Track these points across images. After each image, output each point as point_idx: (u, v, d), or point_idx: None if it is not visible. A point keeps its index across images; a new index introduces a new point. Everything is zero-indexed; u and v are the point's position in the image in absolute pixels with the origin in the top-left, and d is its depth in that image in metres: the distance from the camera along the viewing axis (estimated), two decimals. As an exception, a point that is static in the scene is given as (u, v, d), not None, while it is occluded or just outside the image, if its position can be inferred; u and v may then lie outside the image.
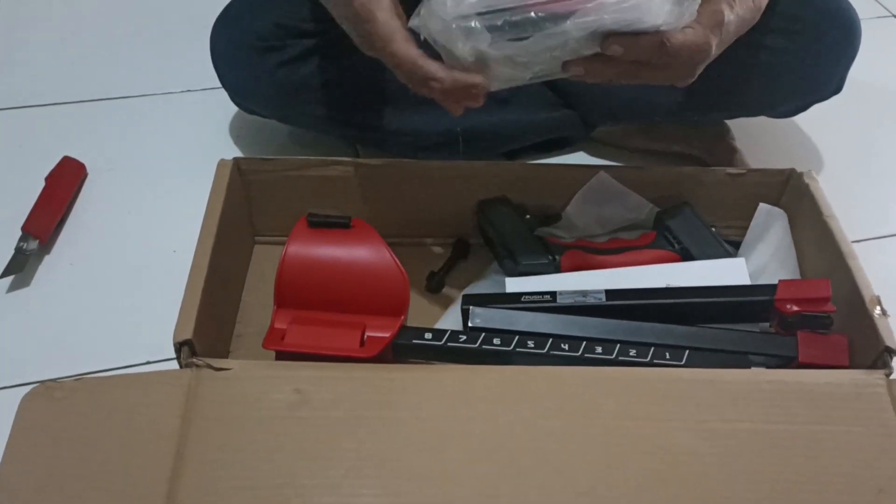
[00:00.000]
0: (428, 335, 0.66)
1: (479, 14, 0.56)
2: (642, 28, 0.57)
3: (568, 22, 0.56)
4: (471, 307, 0.68)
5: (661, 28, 0.58)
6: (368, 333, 0.65)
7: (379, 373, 0.60)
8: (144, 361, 0.74)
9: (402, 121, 0.90)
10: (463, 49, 0.57)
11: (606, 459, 0.55)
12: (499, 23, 0.56)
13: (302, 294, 0.67)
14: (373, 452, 0.55)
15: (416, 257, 0.81)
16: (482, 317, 0.68)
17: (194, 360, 0.59)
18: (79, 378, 0.59)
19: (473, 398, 0.58)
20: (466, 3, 0.56)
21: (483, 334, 0.66)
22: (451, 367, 0.64)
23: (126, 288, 0.81)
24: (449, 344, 0.65)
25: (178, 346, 0.60)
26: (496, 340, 0.65)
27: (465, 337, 0.65)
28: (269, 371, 0.60)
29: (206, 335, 0.63)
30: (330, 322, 0.66)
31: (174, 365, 0.61)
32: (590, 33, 0.57)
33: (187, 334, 0.60)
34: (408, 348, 0.66)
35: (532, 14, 0.56)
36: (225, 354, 0.72)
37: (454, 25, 0.57)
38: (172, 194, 0.92)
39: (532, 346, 0.65)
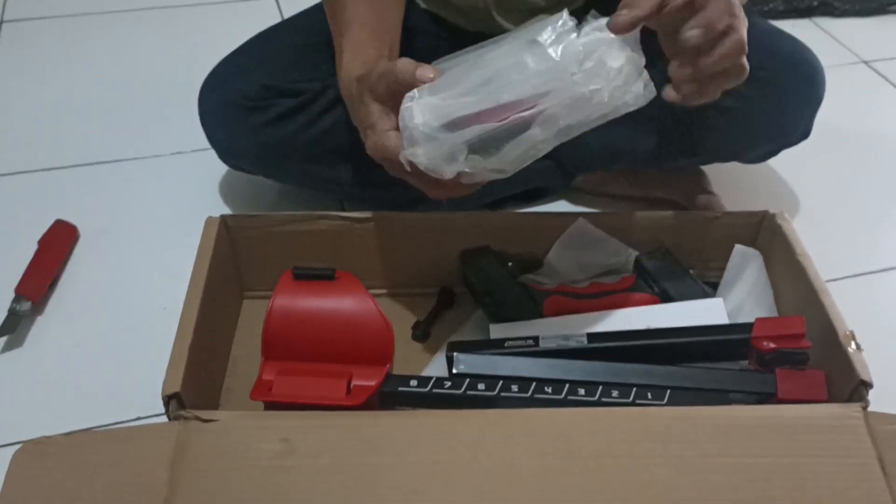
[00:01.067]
0: (413, 382, 0.67)
1: (444, 126, 0.58)
2: (601, 117, 0.60)
3: (533, 128, 0.58)
4: (455, 353, 0.69)
5: (629, 109, 0.60)
6: (355, 382, 0.66)
7: (365, 420, 0.61)
8: (135, 417, 0.75)
9: (383, 175, 0.92)
10: (449, 173, 0.60)
11: (590, 498, 0.56)
12: (469, 144, 0.58)
13: (289, 346, 0.68)
14: (360, 499, 0.56)
15: (402, 307, 0.83)
16: (466, 363, 0.69)
17: (182, 412, 0.60)
18: (69, 434, 0.60)
19: (458, 443, 0.59)
20: (427, 123, 0.58)
21: (468, 380, 0.67)
22: (436, 412, 0.65)
23: (117, 346, 0.82)
24: (434, 390, 0.66)
25: (167, 399, 0.61)
26: (481, 386, 0.66)
27: (449, 383, 0.67)
28: (257, 421, 0.61)
29: (195, 389, 0.65)
30: (316, 372, 0.67)
31: (164, 420, 0.62)
32: (557, 131, 0.59)
33: (175, 387, 0.61)
34: (394, 396, 0.67)
35: (495, 130, 0.58)
36: (214, 408, 0.73)
37: (436, 154, 0.59)
38: (163, 253, 0.93)
39: (516, 390, 0.66)
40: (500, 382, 0.66)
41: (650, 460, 0.57)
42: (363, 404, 0.65)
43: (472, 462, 0.57)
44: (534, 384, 0.66)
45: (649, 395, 0.66)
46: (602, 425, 0.60)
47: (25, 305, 0.83)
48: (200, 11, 0.90)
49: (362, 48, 0.74)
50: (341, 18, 0.76)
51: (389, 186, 0.92)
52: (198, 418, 0.60)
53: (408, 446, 0.58)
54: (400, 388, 0.67)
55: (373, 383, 0.66)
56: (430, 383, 0.67)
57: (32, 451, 0.57)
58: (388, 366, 0.68)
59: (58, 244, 0.92)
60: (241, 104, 0.87)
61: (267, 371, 0.68)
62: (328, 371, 0.67)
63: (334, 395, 0.65)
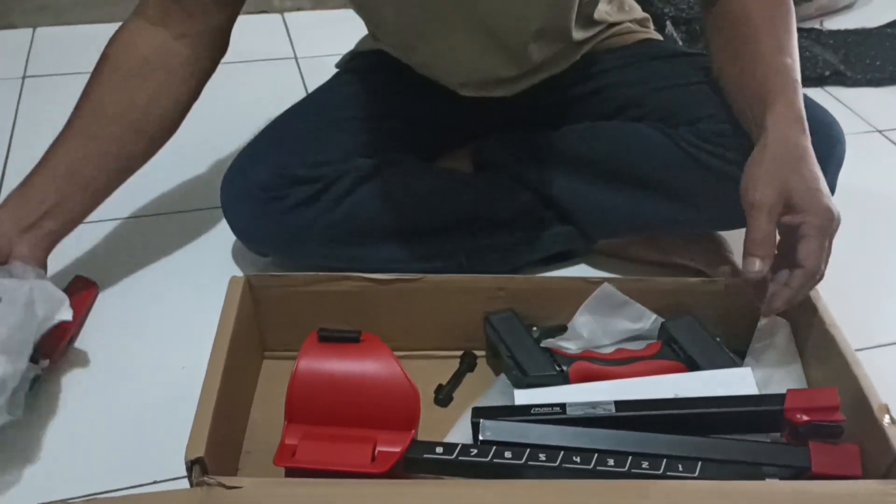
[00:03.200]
0: (439, 449, 0.66)
1: None
2: None
3: None
4: (481, 420, 0.68)
5: None
6: (379, 448, 0.65)
7: (391, 489, 0.59)
8: (152, 481, 0.73)
9: (407, 250, 0.92)
10: None
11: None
12: None
13: (313, 409, 0.67)
14: (387, 573, 0.54)
15: (425, 370, 0.81)
16: (493, 429, 0.68)
17: (205, 478, 0.59)
18: (89, 499, 0.59)
19: (488, 515, 0.57)
20: None
21: (494, 448, 0.65)
22: (463, 482, 0.64)
23: (134, 406, 0.81)
24: (460, 458, 0.65)
25: (190, 465, 0.60)
26: (507, 454, 0.65)
27: (476, 450, 0.65)
28: (281, 489, 0.59)
29: (217, 453, 0.63)
30: (341, 437, 0.66)
31: (182, 484, 0.61)
32: None
33: (199, 452, 0.60)
34: (419, 462, 0.66)
35: None
36: (233, 472, 0.71)
37: None
38: (182, 311, 0.93)
39: (544, 459, 0.65)
40: (528, 451, 0.65)
41: (687, 537, 0.56)
42: (388, 472, 0.63)
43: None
44: (562, 453, 0.65)
45: (680, 468, 0.64)
46: (636, 499, 0.58)
47: (43, 364, 0.82)
48: (223, 70, 0.91)
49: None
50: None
51: (413, 260, 0.92)
52: (221, 485, 0.58)
53: (435, 518, 0.57)
54: (425, 455, 0.66)
55: (398, 449, 0.65)
56: (457, 451, 0.65)
57: (52, 517, 0.56)
58: (413, 431, 0.67)
59: (77, 301, 0.91)
60: (258, 195, 0.88)
61: (290, 435, 0.67)
62: (352, 437, 0.66)
63: (359, 461, 0.64)
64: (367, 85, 1.00)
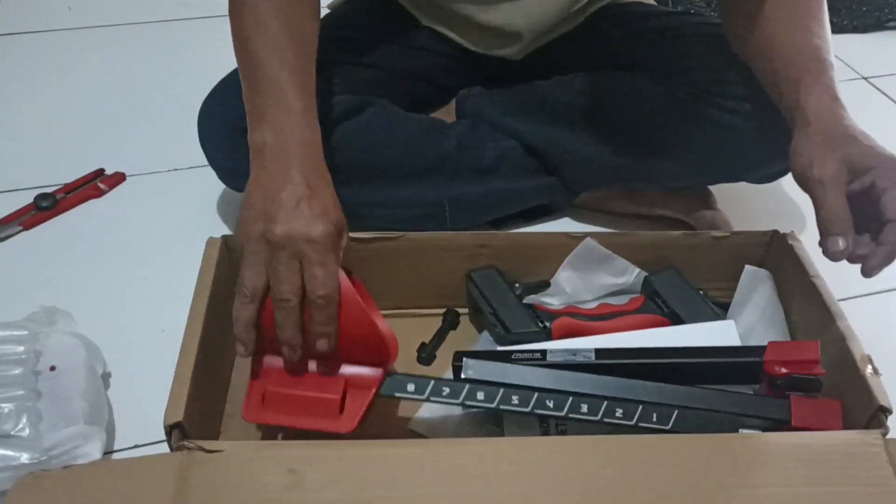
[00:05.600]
0: (410, 387, 0.65)
1: None
2: None
3: None
4: (464, 359, 0.68)
5: None
6: (350, 392, 0.64)
7: (374, 450, 0.59)
8: (132, 445, 0.73)
9: (389, 194, 0.91)
10: None
11: (607, 532, 0.54)
12: None
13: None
14: (369, 533, 0.54)
15: (407, 328, 0.81)
16: (475, 368, 0.67)
17: (185, 442, 0.58)
18: (67, 466, 0.58)
19: (469, 474, 0.57)
20: None
21: (466, 388, 0.65)
22: (447, 441, 0.64)
23: (114, 369, 0.80)
24: (431, 398, 0.65)
25: (169, 429, 0.59)
26: (480, 395, 0.64)
27: (447, 390, 0.64)
28: (262, 451, 0.59)
29: (197, 416, 0.63)
30: (310, 384, 0.65)
31: (163, 447, 0.60)
32: None
33: (178, 416, 0.59)
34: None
35: None
36: (215, 435, 0.71)
37: None
38: (160, 273, 0.91)
39: (517, 402, 0.64)
40: (501, 392, 0.64)
41: (667, 490, 0.56)
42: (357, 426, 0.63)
43: (484, 495, 0.56)
44: (535, 397, 0.64)
45: (654, 417, 0.63)
46: (616, 454, 0.58)
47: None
48: (197, 25, 0.89)
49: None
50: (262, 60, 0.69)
51: (399, 205, 0.91)
52: (201, 448, 0.58)
53: (417, 479, 0.57)
54: (396, 394, 0.65)
55: (369, 393, 0.64)
56: (428, 390, 0.65)
57: (28, 486, 0.55)
58: (385, 370, 0.65)
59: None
60: (240, 125, 0.85)
61: (255, 389, 0.65)
62: (321, 383, 0.65)
63: (327, 414, 0.63)
64: (360, 31, 0.97)
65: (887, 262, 0.65)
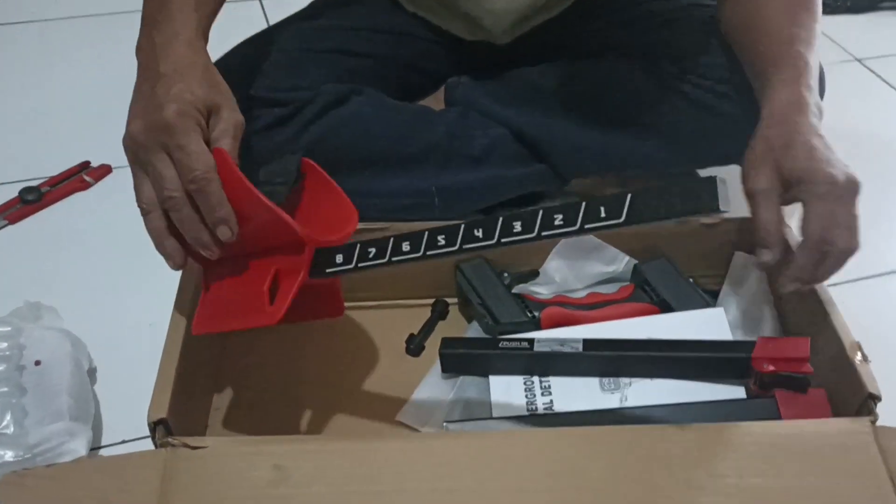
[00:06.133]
0: (339, 258, 0.61)
1: None
2: None
3: None
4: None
5: None
6: (282, 280, 0.62)
7: (359, 445, 0.59)
8: (120, 441, 0.73)
9: (377, 183, 0.90)
10: None
11: (595, 524, 0.54)
12: None
13: None
14: (356, 528, 0.54)
15: (395, 319, 0.81)
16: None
17: (170, 439, 0.58)
18: (50, 465, 0.58)
19: (457, 468, 0.56)
20: None
21: (391, 241, 0.60)
22: (433, 435, 0.63)
23: (102, 365, 0.80)
24: (360, 265, 0.61)
25: (153, 426, 0.59)
26: (405, 246, 0.60)
27: (374, 250, 0.60)
28: (248, 447, 0.58)
29: (182, 412, 0.62)
30: (242, 284, 0.63)
31: (150, 444, 0.60)
32: None
33: (162, 413, 0.59)
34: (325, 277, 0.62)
35: None
36: (203, 430, 0.70)
37: None
38: (147, 267, 0.89)
39: (442, 242, 0.59)
40: (426, 236, 0.59)
41: (658, 482, 0.55)
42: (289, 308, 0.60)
43: (473, 488, 0.55)
44: (462, 230, 0.58)
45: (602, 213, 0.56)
46: (607, 447, 0.58)
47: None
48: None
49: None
50: None
51: (388, 195, 0.90)
52: (186, 445, 0.57)
53: (405, 473, 0.56)
54: (328, 270, 0.61)
55: (297, 277, 0.61)
56: (355, 256, 0.60)
57: (12, 484, 0.54)
58: (309, 250, 0.61)
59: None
60: None
61: (203, 302, 0.65)
62: (252, 280, 0.62)
63: (256, 308, 0.61)
64: (349, 18, 0.96)
65: (796, 280, 0.65)
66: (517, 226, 0.55)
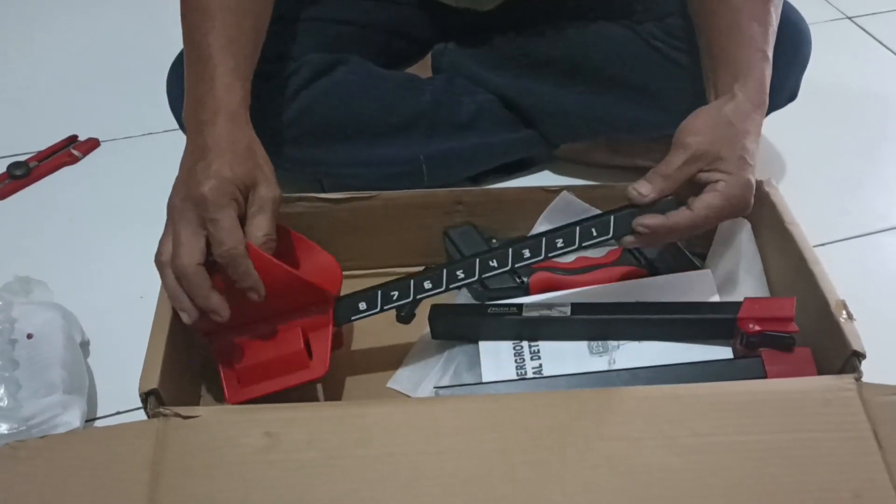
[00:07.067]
0: (362, 305, 0.67)
1: None
2: None
3: None
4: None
5: None
6: (311, 336, 0.66)
7: (350, 410, 0.60)
8: (114, 412, 0.73)
9: (364, 152, 0.90)
10: None
11: (582, 483, 0.55)
12: None
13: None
14: (347, 493, 0.54)
15: (386, 288, 0.81)
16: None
17: (161, 409, 0.58)
18: (44, 436, 0.58)
19: (445, 430, 0.57)
20: None
21: (412, 282, 0.68)
22: (422, 400, 0.64)
23: (94, 338, 0.80)
24: (385, 308, 0.68)
25: (145, 397, 0.59)
26: (427, 284, 0.67)
27: (397, 293, 0.67)
28: (238, 415, 0.59)
29: (174, 382, 0.63)
30: (271, 348, 0.66)
31: (144, 415, 0.60)
32: None
33: (153, 384, 0.59)
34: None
35: None
36: (196, 400, 0.71)
37: None
38: (137, 239, 0.90)
39: (462, 276, 0.67)
40: (445, 272, 0.67)
41: (643, 442, 0.56)
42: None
43: (462, 450, 0.56)
44: (478, 262, 0.67)
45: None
46: (591, 408, 0.58)
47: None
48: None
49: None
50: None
51: (375, 164, 0.90)
52: (177, 415, 0.58)
53: (395, 437, 0.57)
54: (353, 319, 0.67)
55: (328, 330, 0.66)
56: (379, 301, 0.68)
57: (4, 457, 0.55)
58: (331, 304, 0.67)
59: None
60: None
61: (227, 373, 0.66)
62: (281, 341, 0.66)
63: (299, 366, 0.64)
64: None
65: (651, 236, 0.65)
66: (526, 252, 0.66)
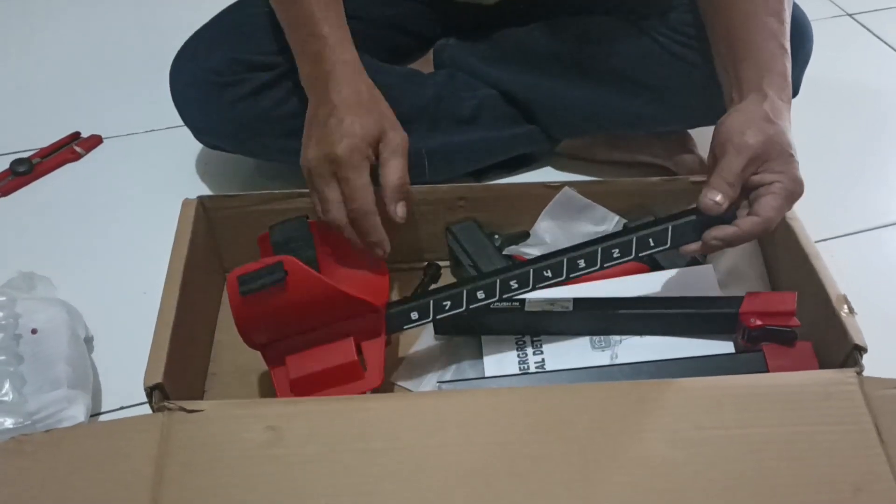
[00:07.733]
0: (414, 315, 0.68)
1: None
2: None
3: None
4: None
5: None
6: (364, 347, 0.66)
7: (353, 404, 0.60)
8: (118, 407, 0.74)
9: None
10: None
11: (584, 476, 0.55)
12: None
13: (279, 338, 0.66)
14: (349, 486, 0.55)
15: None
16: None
17: (166, 403, 0.59)
18: (49, 430, 0.58)
19: (447, 424, 0.57)
20: None
21: (465, 291, 0.67)
22: (424, 394, 0.64)
23: (98, 333, 0.80)
24: (437, 317, 0.68)
25: (149, 391, 0.59)
26: (480, 294, 0.67)
27: (449, 303, 0.67)
28: (242, 410, 0.59)
29: (178, 377, 0.63)
30: (325, 358, 0.66)
31: (149, 409, 0.60)
32: None
33: (157, 378, 0.59)
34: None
35: None
36: (200, 395, 0.71)
37: None
38: (140, 235, 0.91)
39: (515, 286, 0.67)
40: (499, 282, 0.67)
41: (644, 435, 0.56)
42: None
43: (463, 444, 0.56)
44: (532, 272, 0.67)
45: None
46: (594, 400, 0.59)
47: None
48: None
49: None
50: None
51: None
52: (182, 409, 0.58)
53: (397, 430, 0.57)
54: (405, 328, 0.68)
55: (381, 341, 0.67)
56: (431, 310, 0.67)
57: (9, 451, 0.55)
58: (381, 315, 0.67)
59: None
60: (212, 80, 0.84)
61: (279, 378, 0.66)
62: (334, 351, 0.66)
63: (354, 377, 0.65)
64: None
65: (727, 243, 0.65)
66: (581, 262, 0.66)
